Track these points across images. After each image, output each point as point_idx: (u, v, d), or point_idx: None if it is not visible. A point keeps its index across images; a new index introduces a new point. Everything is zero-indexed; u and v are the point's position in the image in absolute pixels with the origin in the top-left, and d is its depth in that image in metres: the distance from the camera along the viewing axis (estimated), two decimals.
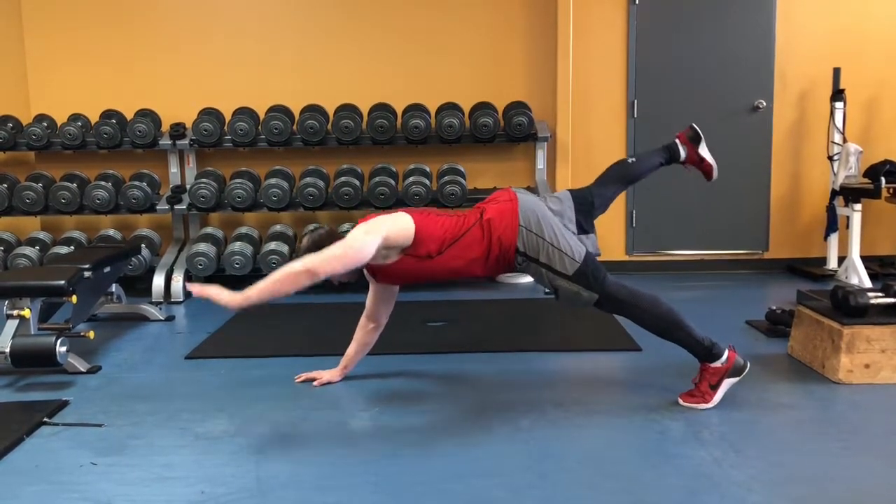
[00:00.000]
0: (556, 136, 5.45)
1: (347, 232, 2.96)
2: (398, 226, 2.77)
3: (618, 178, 3.13)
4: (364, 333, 3.19)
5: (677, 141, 3.16)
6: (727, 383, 2.83)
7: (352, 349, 3.22)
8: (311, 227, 3.01)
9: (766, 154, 5.55)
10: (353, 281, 2.98)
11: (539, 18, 5.48)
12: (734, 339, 3.68)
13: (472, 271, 2.87)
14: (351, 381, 3.22)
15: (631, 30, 5.49)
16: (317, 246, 2.89)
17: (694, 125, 3.17)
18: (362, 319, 3.18)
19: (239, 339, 4.00)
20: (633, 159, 3.19)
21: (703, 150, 3.15)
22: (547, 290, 2.94)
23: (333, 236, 2.93)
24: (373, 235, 2.71)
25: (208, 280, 5.32)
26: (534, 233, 2.78)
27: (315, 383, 3.19)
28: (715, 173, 3.17)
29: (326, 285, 3.10)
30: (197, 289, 2.58)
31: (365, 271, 2.96)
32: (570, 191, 3.01)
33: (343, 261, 2.67)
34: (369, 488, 2.25)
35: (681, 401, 2.85)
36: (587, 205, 2.94)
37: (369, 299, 3.14)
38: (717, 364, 2.82)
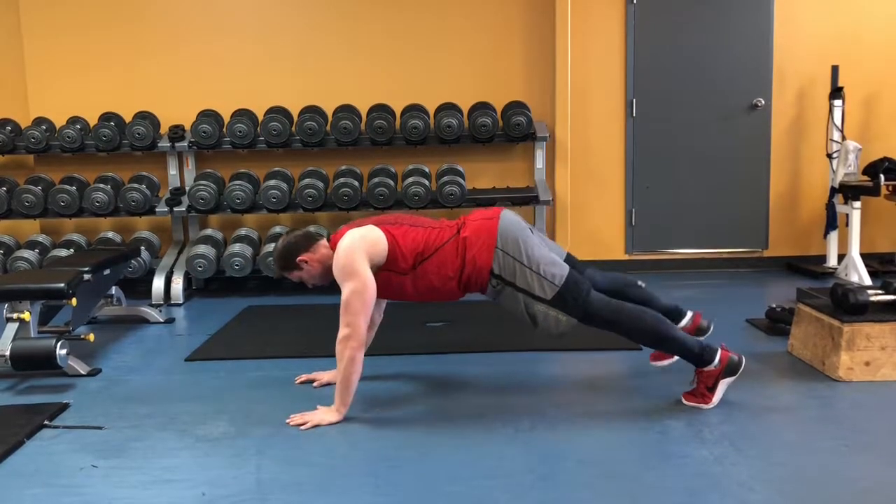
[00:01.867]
0: (554, 135, 5.45)
1: (321, 235, 3.01)
2: (370, 242, 2.77)
3: (613, 278, 3.10)
4: None
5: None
6: (724, 383, 2.82)
7: None
8: (287, 231, 3.03)
9: (765, 152, 5.55)
10: (326, 284, 2.99)
11: (537, 18, 5.48)
12: (734, 337, 3.69)
13: (449, 289, 2.86)
14: None
15: (629, 29, 5.49)
16: (290, 252, 2.91)
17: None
18: None
19: (239, 341, 3.99)
20: (643, 284, 3.14)
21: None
22: (522, 322, 2.89)
23: (310, 238, 2.94)
24: (360, 264, 2.72)
25: (208, 282, 5.33)
26: (510, 255, 2.75)
27: (315, 384, 3.19)
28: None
29: (304, 286, 3.12)
30: (307, 425, 2.72)
31: None
32: (569, 254, 3.03)
33: (363, 311, 2.72)
34: (369, 489, 2.25)
35: (683, 399, 2.85)
36: (575, 266, 2.92)
37: None
38: (710, 368, 2.81)
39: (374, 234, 2.80)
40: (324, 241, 2.94)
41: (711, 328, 3.20)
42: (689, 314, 3.17)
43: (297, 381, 3.23)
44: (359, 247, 2.75)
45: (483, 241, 2.78)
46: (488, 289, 2.84)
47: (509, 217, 2.86)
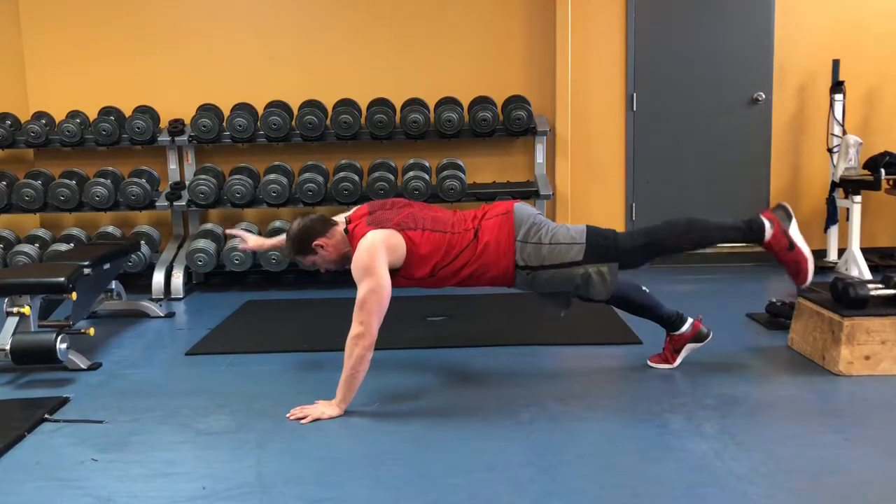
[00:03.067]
0: (555, 130, 5.44)
1: (336, 220, 3.02)
2: (391, 246, 2.79)
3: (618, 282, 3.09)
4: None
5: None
6: (796, 231, 2.77)
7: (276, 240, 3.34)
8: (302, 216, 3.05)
9: (766, 147, 5.54)
10: (340, 269, 3.00)
11: (537, 12, 5.47)
12: (735, 332, 3.70)
13: (468, 284, 2.92)
14: None
15: (630, 23, 5.48)
16: (306, 236, 2.91)
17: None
18: None
19: (239, 334, 4.00)
20: (647, 290, 3.17)
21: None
22: (564, 293, 2.94)
23: (326, 223, 2.95)
24: (380, 265, 2.73)
25: (208, 276, 5.33)
26: (531, 243, 2.80)
27: (241, 245, 3.33)
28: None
29: (329, 275, 3.12)
30: (307, 419, 2.71)
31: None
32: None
33: (378, 312, 2.73)
34: (370, 483, 2.26)
35: (794, 282, 2.85)
36: None
37: None
38: (770, 234, 2.77)
39: (395, 239, 2.81)
40: (339, 227, 2.95)
41: (711, 335, 3.19)
42: (690, 320, 3.17)
43: (228, 233, 3.48)
44: (380, 248, 2.75)
45: (503, 243, 2.82)
46: (517, 280, 2.87)
47: (521, 207, 2.92)
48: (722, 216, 2.98)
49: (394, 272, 2.81)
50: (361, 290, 2.72)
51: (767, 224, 2.78)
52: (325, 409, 2.75)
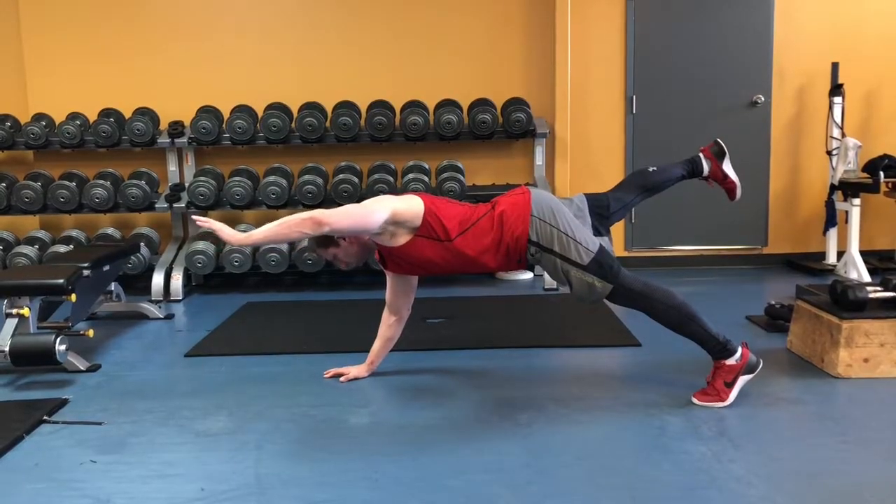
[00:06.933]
0: (554, 132, 5.45)
1: None
2: (406, 203, 2.80)
3: (636, 185, 3.16)
4: (387, 327, 3.19)
5: (701, 155, 3.19)
6: (742, 380, 2.81)
7: (377, 344, 3.22)
8: None
9: (765, 149, 5.55)
10: (360, 265, 2.99)
11: (537, 14, 5.48)
12: (734, 334, 3.65)
13: (484, 262, 2.87)
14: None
15: (629, 25, 5.49)
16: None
17: (719, 140, 3.21)
18: (384, 313, 3.18)
19: (238, 336, 4.00)
20: (654, 168, 3.20)
21: (728, 167, 3.21)
22: (562, 285, 2.95)
23: None
24: (382, 206, 2.75)
25: (207, 278, 5.34)
26: (547, 223, 2.80)
27: (342, 379, 3.18)
28: (738, 192, 3.24)
29: (328, 276, 3.11)
30: (202, 220, 2.71)
31: (378, 257, 2.97)
32: (586, 194, 3.02)
33: (350, 218, 2.72)
34: (368, 484, 2.26)
35: (695, 400, 2.81)
36: (602, 207, 2.97)
37: (388, 292, 3.13)
38: (732, 361, 2.80)
39: (413, 198, 2.83)
40: None
41: (726, 151, 3.24)
42: (701, 155, 3.22)
43: (326, 375, 3.20)
44: (392, 200, 2.80)
45: (519, 212, 2.82)
46: (527, 258, 2.86)
47: (540, 191, 2.94)
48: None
49: (412, 233, 2.79)
50: (361, 203, 2.78)
51: (739, 355, 2.81)
52: (231, 232, 2.71)
